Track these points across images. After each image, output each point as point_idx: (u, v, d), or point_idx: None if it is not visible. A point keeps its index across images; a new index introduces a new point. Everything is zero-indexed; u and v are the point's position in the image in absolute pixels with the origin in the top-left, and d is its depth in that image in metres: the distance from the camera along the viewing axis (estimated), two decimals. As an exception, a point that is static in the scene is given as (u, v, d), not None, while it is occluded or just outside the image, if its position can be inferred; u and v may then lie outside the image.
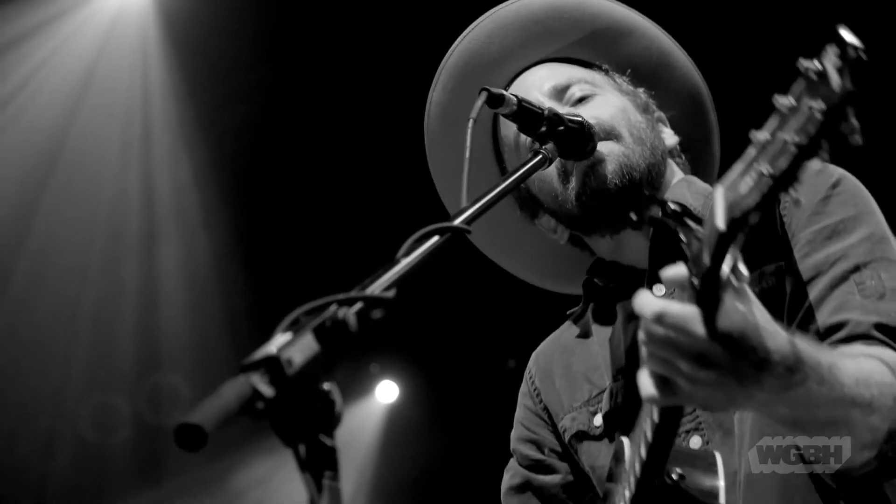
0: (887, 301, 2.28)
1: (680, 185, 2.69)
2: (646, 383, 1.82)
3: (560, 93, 2.72)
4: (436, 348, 9.33)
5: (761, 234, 2.41)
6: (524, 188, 2.78)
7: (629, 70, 2.84)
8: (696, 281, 1.72)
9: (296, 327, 1.53)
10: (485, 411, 9.23)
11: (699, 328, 1.72)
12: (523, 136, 2.64)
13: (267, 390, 1.42)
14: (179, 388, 8.47)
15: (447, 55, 2.92)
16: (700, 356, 1.75)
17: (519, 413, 2.96)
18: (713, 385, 1.77)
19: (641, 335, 1.80)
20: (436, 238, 1.86)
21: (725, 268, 1.67)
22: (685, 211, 1.96)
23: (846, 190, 2.46)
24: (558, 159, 2.48)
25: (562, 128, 2.42)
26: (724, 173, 1.69)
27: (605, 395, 2.65)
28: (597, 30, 2.87)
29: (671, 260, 2.27)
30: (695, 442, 2.42)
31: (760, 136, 1.65)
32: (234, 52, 7.96)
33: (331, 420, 1.52)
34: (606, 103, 2.69)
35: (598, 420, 2.65)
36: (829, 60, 1.57)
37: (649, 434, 2.01)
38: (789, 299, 2.35)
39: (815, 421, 1.96)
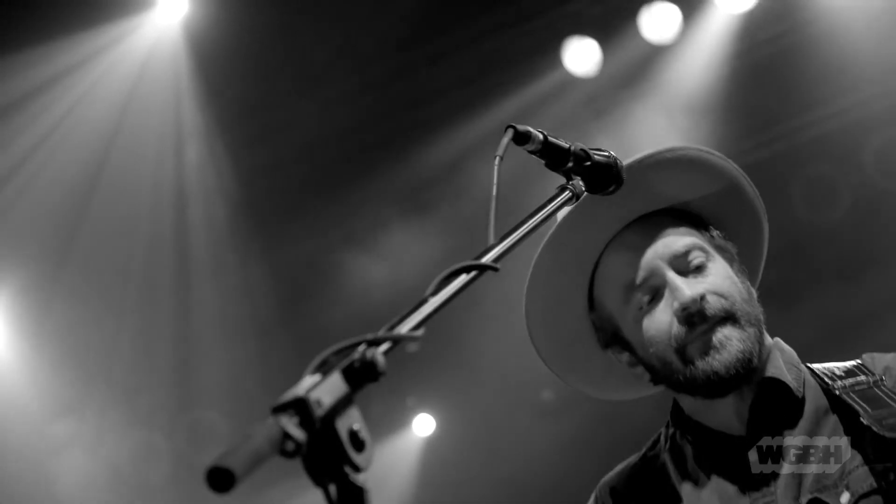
0: None
1: (774, 354, 2.72)
2: None
3: (679, 260, 2.74)
4: (472, 380, 9.32)
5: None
6: (610, 325, 2.82)
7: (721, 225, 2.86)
8: None
9: (324, 368, 1.55)
10: (521, 444, 9.22)
11: None
12: (644, 299, 2.71)
13: (297, 432, 1.43)
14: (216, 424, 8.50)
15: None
16: None
17: None
18: None
19: None
20: (464, 276, 1.86)
21: None
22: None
23: None
24: None
25: (588, 163, 2.42)
26: None
27: None
28: (718, 187, 2.86)
29: (768, 428, 2.49)
30: None
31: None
32: (266, 89, 8.03)
33: (361, 460, 1.53)
34: (720, 274, 2.72)
35: None
36: None
37: None
38: None
39: None
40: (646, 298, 2.71)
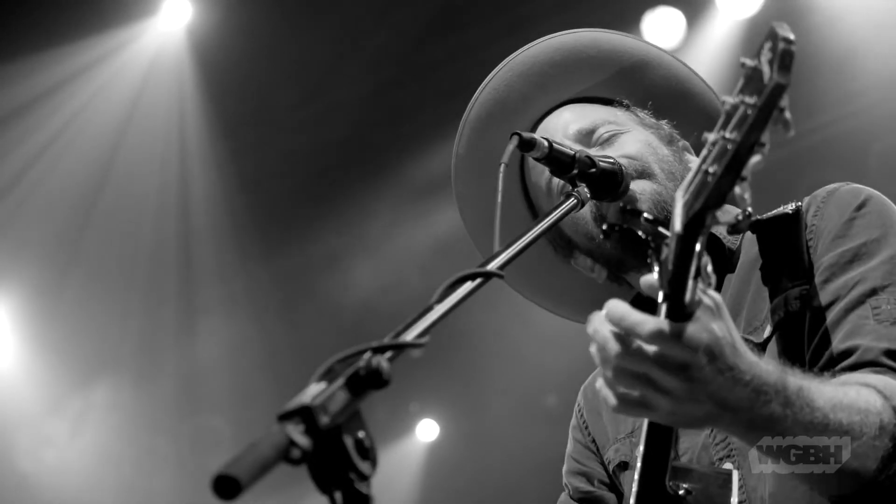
0: None
1: None
2: (609, 396, 1.81)
3: (586, 136, 2.73)
4: (476, 386, 9.32)
5: (787, 257, 2.45)
6: (557, 230, 2.78)
7: (650, 102, 2.84)
8: (664, 289, 1.72)
9: (330, 376, 1.55)
10: (525, 449, 9.21)
11: (667, 336, 1.71)
12: (555, 181, 2.65)
13: (302, 440, 1.43)
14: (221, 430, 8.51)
15: (468, 108, 2.92)
16: (668, 363, 1.73)
17: (569, 447, 2.99)
18: (683, 397, 1.76)
19: (612, 346, 1.77)
20: (469, 283, 1.86)
21: (691, 271, 1.67)
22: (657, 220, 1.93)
23: (872, 211, 2.43)
24: (591, 201, 2.49)
25: (594, 170, 2.43)
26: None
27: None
28: (615, 67, 2.88)
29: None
30: (726, 468, 2.40)
31: (710, 136, 1.68)
32: (269, 94, 8.04)
33: (366, 467, 1.53)
34: (634, 140, 2.69)
35: (640, 451, 2.65)
36: (764, 55, 1.62)
37: (642, 447, 2.01)
38: (808, 324, 2.33)
39: (789, 447, 1.95)
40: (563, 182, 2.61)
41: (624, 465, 2.72)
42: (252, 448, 1.39)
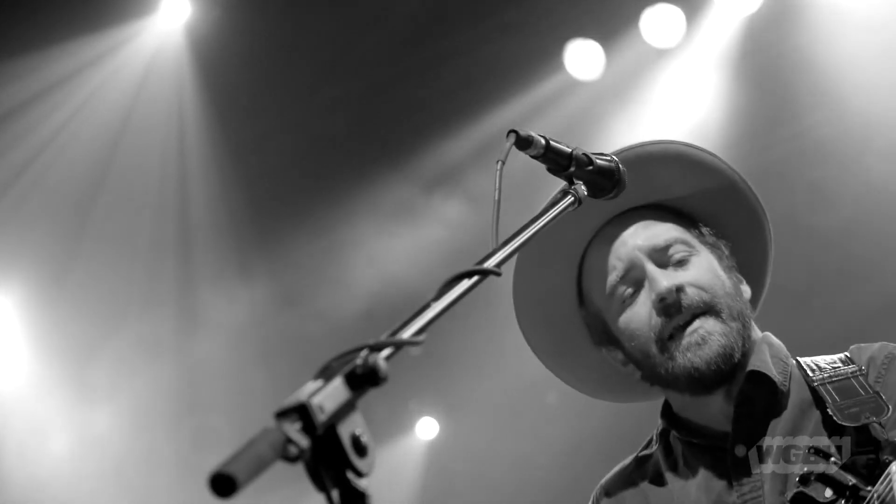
0: None
1: (761, 348, 2.73)
2: None
3: (659, 253, 2.75)
4: (476, 384, 9.32)
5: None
6: (599, 320, 2.83)
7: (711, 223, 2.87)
8: None
9: (327, 373, 1.55)
10: (525, 448, 9.22)
11: None
12: (621, 288, 2.73)
13: (299, 437, 1.44)
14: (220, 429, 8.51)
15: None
16: None
17: None
18: None
19: None
20: (467, 281, 1.87)
21: None
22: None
23: None
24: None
25: (591, 167, 2.43)
26: None
27: None
28: (711, 186, 2.88)
29: (752, 425, 2.53)
30: None
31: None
32: (269, 92, 8.05)
33: (364, 464, 1.53)
34: (703, 268, 2.73)
35: None
36: None
37: None
38: None
39: None
40: (628, 291, 2.73)
41: None
42: (249, 446, 1.40)
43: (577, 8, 7.72)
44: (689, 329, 2.64)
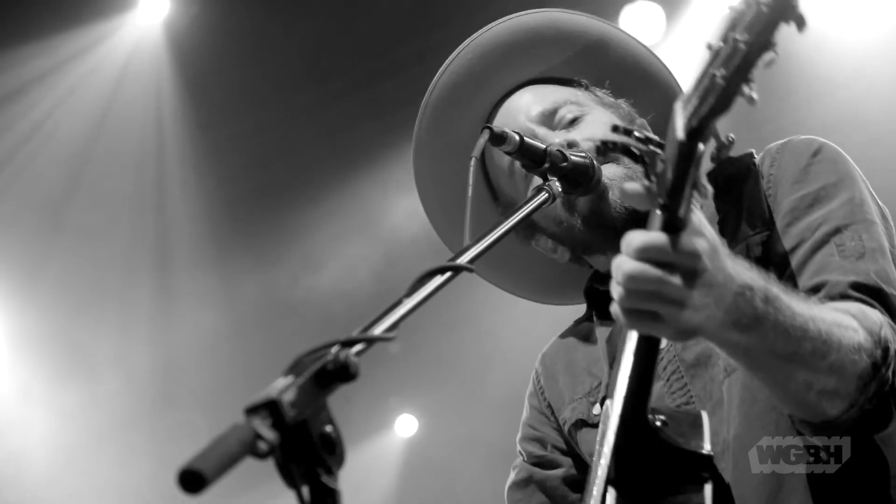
0: (866, 261, 2.32)
1: None
2: (620, 316, 1.86)
3: (548, 117, 2.73)
4: (455, 380, 9.32)
5: (746, 207, 2.52)
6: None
7: (607, 81, 2.84)
8: (662, 199, 1.74)
9: (298, 369, 1.55)
10: (505, 443, 9.22)
11: (670, 244, 1.75)
12: (517, 164, 2.62)
13: (268, 433, 1.43)
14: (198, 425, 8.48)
15: (429, 90, 2.93)
16: (676, 273, 1.77)
17: (525, 415, 2.99)
18: (693, 304, 1.79)
19: (628, 267, 1.80)
20: (440, 277, 1.87)
21: (690, 181, 1.70)
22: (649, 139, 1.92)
23: (826, 157, 2.53)
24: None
25: (565, 164, 2.43)
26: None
27: (603, 384, 2.68)
28: (575, 47, 2.88)
29: None
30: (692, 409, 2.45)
31: (714, 42, 1.71)
32: (247, 89, 8.03)
33: (334, 461, 1.53)
34: (596, 122, 2.69)
35: (596, 409, 2.68)
36: None
37: (629, 370, 2.01)
38: (774, 269, 2.34)
39: (770, 352, 1.97)
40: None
41: (581, 423, 2.74)
42: (218, 442, 1.39)
43: (556, 7, 7.71)
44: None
